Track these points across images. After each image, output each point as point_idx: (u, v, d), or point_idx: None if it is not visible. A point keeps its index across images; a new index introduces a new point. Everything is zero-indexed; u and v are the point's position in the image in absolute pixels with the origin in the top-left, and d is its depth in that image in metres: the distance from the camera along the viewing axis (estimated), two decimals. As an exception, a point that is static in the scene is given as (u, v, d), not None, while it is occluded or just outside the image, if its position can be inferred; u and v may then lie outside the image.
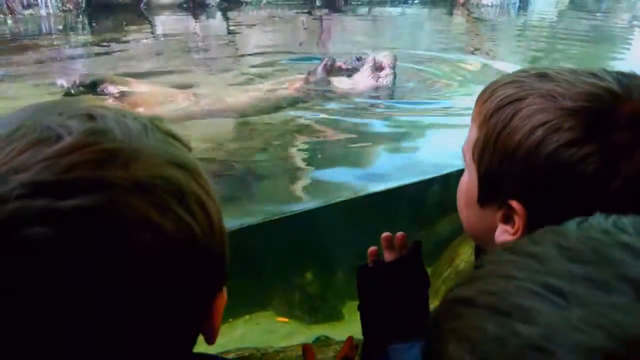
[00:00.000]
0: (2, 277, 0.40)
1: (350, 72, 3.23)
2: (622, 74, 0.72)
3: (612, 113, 0.68)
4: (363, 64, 3.22)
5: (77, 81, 2.77)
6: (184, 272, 0.46)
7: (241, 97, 2.74)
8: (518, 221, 0.73)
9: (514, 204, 0.72)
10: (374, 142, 2.52)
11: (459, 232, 2.97)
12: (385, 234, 1.05)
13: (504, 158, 0.74)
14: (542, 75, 0.74)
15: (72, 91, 2.68)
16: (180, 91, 2.82)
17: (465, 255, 2.92)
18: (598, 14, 8.32)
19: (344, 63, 3.30)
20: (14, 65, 3.74)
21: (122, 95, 2.59)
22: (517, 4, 7.78)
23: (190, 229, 0.45)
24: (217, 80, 3.25)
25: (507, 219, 0.75)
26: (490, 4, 7.62)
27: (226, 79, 3.25)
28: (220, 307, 0.55)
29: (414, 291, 1.04)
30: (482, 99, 0.78)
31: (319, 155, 2.42)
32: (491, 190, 0.77)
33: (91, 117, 0.46)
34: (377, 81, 3.20)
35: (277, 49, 4.29)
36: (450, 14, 7.47)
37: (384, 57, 3.23)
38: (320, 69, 3.20)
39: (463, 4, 7.66)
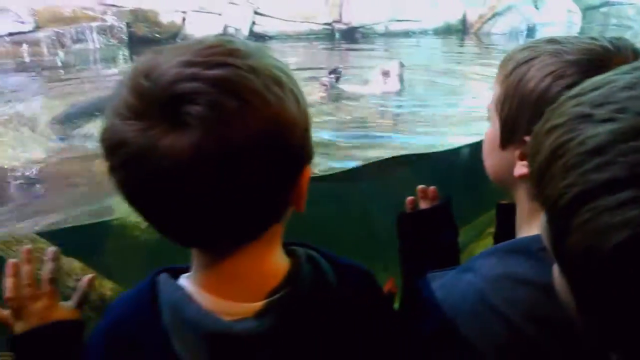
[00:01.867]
0: (178, 121, 0.60)
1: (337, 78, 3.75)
2: (614, 37, 0.90)
3: (605, 62, 0.84)
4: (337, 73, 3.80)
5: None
6: (287, 133, 0.66)
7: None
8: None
9: (528, 139, 0.89)
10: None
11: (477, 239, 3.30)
12: (420, 187, 1.25)
13: (520, 103, 0.91)
14: (551, 40, 0.92)
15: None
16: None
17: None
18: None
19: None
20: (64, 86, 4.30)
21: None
22: (525, 32, 8.21)
23: (284, 105, 0.65)
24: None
25: (524, 156, 0.91)
26: (499, 32, 8.06)
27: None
28: (307, 177, 0.72)
29: (445, 235, 1.22)
30: (503, 63, 0.96)
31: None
32: (510, 133, 0.93)
33: (223, 34, 0.80)
34: (384, 85, 3.70)
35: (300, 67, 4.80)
36: (462, 44, 7.92)
37: (391, 65, 3.75)
38: (327, 78, 3.74)
39: (474, 33, 8.11)
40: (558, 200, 0.49)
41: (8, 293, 0.98)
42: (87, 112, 3.33)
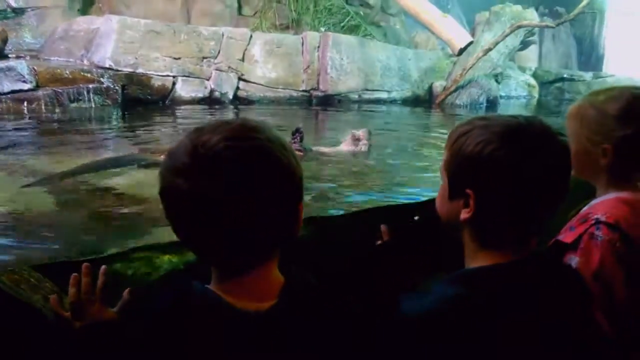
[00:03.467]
0: (223, 176, 0.88)
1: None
2: (529, 116, 1.17)
3: (519, 133, 1.11)
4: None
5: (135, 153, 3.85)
6: (292, 180, 0.95)
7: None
8: (472, 203, 1.14)
9: (468, 191, 1.13)
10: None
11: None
12: (382, 225, 1.52)
13: (461, 163, 1.14)
14: (483, 118, 1.18)
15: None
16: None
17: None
18: (561, 115, 9.52)
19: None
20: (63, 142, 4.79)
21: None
22: (485, 104, 8.99)
23: (290, 160, 0.95)
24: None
25: (466, 205, 1.14)
26: (461, 103, 8.83)
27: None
28: (301, 211, 0.99)
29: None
30: (450, 134, 1.20)
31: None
32: (455, 187, 1.17)
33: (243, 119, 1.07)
34: (355, 147, 4.28)
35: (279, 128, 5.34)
36: (429, 112, 8.64)
37: (361, 131, 4.37)
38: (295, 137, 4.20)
39: (439, 104, 8.86)
40: None
41: (71, 298, 1.27)
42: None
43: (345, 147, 4.46)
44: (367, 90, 8.73)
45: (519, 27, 8.94)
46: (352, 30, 9.74)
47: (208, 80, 7.72)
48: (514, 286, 1.12)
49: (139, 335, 0.98)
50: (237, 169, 0.89)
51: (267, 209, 0.92)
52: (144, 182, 3.44)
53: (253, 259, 0.97)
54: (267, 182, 0.92)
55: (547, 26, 10.14)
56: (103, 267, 1.34)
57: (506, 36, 8.79)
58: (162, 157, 3.18)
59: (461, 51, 9.27)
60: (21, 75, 6.42)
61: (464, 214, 1.15)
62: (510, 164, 1.09)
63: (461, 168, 1.16)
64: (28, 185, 3.26)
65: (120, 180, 3.49)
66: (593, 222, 1.47)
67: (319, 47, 8.42)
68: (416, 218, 1.58)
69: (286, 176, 0.95)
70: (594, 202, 1.59)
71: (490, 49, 8.73)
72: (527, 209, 1.13)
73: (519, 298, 1.10)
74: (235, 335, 0.93)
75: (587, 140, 1.55)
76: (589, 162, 1.57)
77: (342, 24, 9.80)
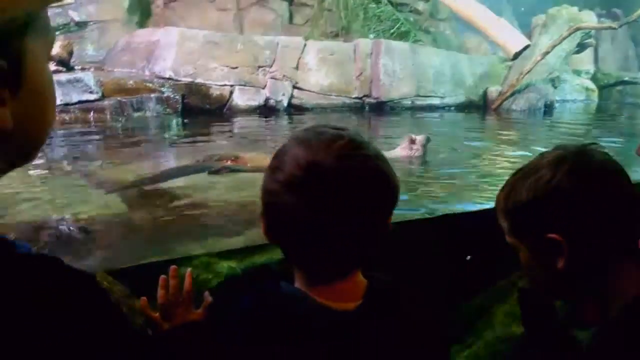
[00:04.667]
0: (334, 190, 0.92)
1: None
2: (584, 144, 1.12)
3: (566, 158, 1.07)
4: None
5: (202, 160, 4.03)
6: (393, 195, 1.00)
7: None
8: (563, 243, 1.04)
9: (551, 236, 1.04)
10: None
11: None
12: None
13: (527, 216, 1.08)
14: (516, 174, 1.15)
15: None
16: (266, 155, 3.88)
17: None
18: (622, 119, 9.19)
19: None
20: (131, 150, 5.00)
21: (236, 158, 3.70)
22: (543, 109, 8.78)
23: (394, 177, 0.99)
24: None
25: (555, 253, 1.05)
26: (519, 109, 8.66)
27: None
28: (390, 222, 1.02)
29: None
30: (497, 201, 1.16)
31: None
32: (536, 245, 1.08)
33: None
34: (410, 151, 4.32)
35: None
36: (484, 118, 8.50)
37: (418, 136, 4.41)
38: None
39: (495, 109, 8.70)
40: None
41: (160, 300, 1.29)
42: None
43: (401, 151, 4.47)
44: (420, 96, 8.69)
45: (578, 29, 8.71)
46: (402, 36, 9.72)
47: (263, 88, 7.87)
48: None
49: (232, 334, 1.01)
50: (351, 187, 0.94)
51: (370, 222, 0.98)
52: (212, 188, 3.54)
53: (348, 267, 1.02)
54: (375, 198, 0.97)
55: (608, 27, 9.83)
56: (189, 269, 1.40)
57: (564, 39, 8.57)
58: (230, 163, 3.23)
59: (516, 55, 9.09)
60: (88, 86, 6.71)
61: (561, 263, 1.06)
62: (574, 187, 1.04)
63: (530, 221, 1.09)
64: (107, 193, 3.40)
65: (189, 187, 3.59)
66: None
67: (371, 54, 8.46)
68: (468, 258, 1.56)
69: (390, 192, 1.00)
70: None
71: (548, 52, 8.53)
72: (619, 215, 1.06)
73: None
74: (327, 332, 0.97)
75: None
76: None
77: (391, 31, 9.79)
